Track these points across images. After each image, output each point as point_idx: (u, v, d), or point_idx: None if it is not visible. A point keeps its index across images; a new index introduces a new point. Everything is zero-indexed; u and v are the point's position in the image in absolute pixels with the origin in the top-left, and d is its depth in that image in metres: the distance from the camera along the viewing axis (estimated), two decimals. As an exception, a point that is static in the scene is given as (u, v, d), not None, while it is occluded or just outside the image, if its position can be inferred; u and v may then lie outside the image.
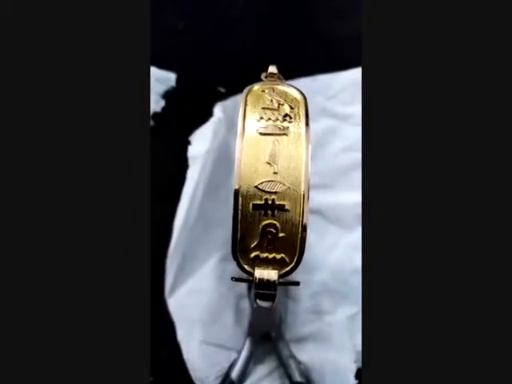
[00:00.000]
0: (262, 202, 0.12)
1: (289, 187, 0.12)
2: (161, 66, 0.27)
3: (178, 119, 0.26)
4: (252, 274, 0.13)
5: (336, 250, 0.24)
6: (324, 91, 0.27)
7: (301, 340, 0.24)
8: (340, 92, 0.27)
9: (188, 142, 0.24)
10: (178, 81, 0.27)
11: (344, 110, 0.27)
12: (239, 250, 0.13)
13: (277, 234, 0.12)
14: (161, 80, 0.28)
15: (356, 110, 0.27)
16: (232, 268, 0.26)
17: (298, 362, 0.23)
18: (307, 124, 0.13)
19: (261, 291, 0.13)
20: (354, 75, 0.27)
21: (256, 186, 0.12)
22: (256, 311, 0.22)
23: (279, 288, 0.22)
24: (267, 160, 0.12)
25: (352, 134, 0.26)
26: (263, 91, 0.14)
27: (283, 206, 0.12)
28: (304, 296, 0.24)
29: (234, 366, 0.23)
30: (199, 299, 0.24)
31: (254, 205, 0.12)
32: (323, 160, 0.26)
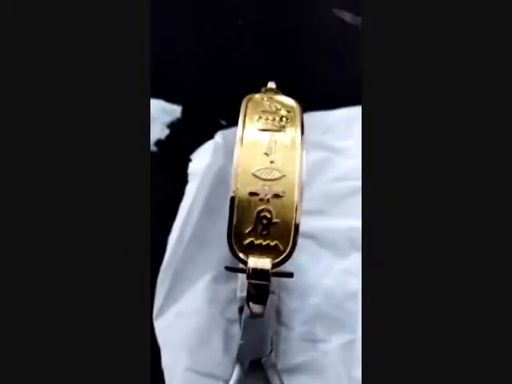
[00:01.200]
0: (258, 188, 0.13)
1: (284, 175, 0.13)
2: (167, 100, 0.30)
3: (181, 145, 0.27)
4: (245, 263, 0.13)
5: (329, 275, 0.24)
6: (319, 126, 0.29)
7: (293, 370, 0.22)
8: (334, 127, 0.29)
9: (189, 160, 0.25)
10: (182, 112, 0.29)
11: (337, 143, 0.28)
12: (234, 236, 0.13)
13: (271, 219, 0.13)
14: (167, 111, 0.30)
15: (349, 144, 0.28)
16: (224, 289, 0.25)
17: (290, 395, 0.21)
18: (302, 133, 0.14)
19: (254, 281, 0.13)
20: (347, 113, 0.29)
21: (253, 174, 0.13)
22: (246, 331, 0.21)
23: (271, 309, 0.22)
24: (265, 151, 0.13)
25: (345, 165, 0.28)
26: (262, 99, 0.15)
27: (278, 192, 0.13)
28: (297, 322, 0.23)
29: (221, 396, 0.21)
30: (188, 322, 0.23)
31: (249, 191, 0.13)
32: (317, 187, 0.27)
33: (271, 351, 0.22)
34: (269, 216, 0.13)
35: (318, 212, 0.26)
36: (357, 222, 0.26)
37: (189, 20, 0.32)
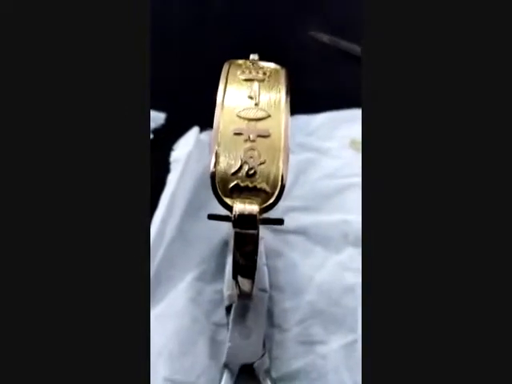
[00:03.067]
0: (243, 127, 0.12)
1: (270, 115, 0.12)
2: (152, 107, 0.30)
3: (165, 147, 0.27)
4: (231, 209, 0.12)
5: (323, 270, 0.23)
6: (303, 129, 0.29)
7: (290, 377, 0.20)
8: (317, 130, 0.29)
9: (172, 150, 0.25)
10: (167, 119, 0.29)
11: (322, 144, 0.29)
12: (218, 178, 0.12)
13: (258, 158, 0.12)
14: (152, 119, 0.30)
15: (332, 145, 0.29)
16: (209, 290, 0.23)
17: (288, 406, 0.19)
18: (287, 93, 0.14)
19: (240, 231, 0.12)
20: (329, 117, 0.30)
21: (237, 114, 0.12)
22: (235, 325, 0.18)
23: (262, 306, 0.20)
24: (249, 95, 0.13)
25: (331, 165, 0.27)
26: (245, 62, 0.15)
27: (264, 132, 0.12)
28: (292, 323, 0.21)
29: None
30: (168, 324, 0.20)
31: (234, 130, 0.12)
32: (305, 185, 0.26)
33: (263, 355, 0.20)
34: (256, 154, 0.12)
35: (308, 208, 0.25)
36: (348, 217, 0.25)
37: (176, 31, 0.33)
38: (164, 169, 0.24)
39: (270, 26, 0.34)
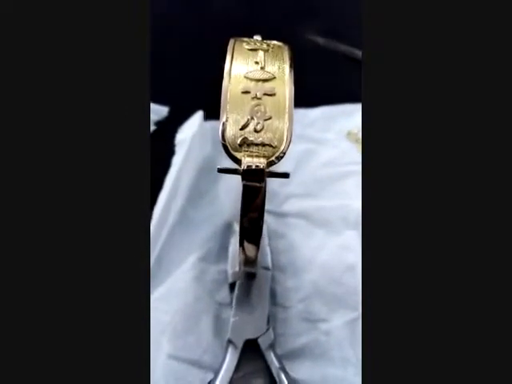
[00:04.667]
0: (251, 85, 0.13)
1: (275, 77, 0.13)
2: (155, 101, 0.30)
3: (170, 130, 0.28)
4: (239, 162, 0.12)
5: (324, 250, 0.23)
6: (301, 121, 0.30)
7: (295, 354, 0.20)
8: (315, 122, 0.30)
9: (176, 132, 0.25)
10: (169, 112, 0.30)
11: (320, 136, 0.29)
12: (227, 134, 0.12)
13: (265, 113, 0.12)
14: (154, 111, 0.31)
15: (331, 135, 0.29)
16: (213, 269, 0.23)
17: (293, 381, 0.18)
18: (291, 65, 0.15)
19: (248, 183, 0.12)
20: (324, 111, 0.31)
21: (244, 76, 0.13)
22: (240, 298, 0.18)
23: (266, 279, 0.20)
24: (255, 60, 0.13)
25: (329, 154, 0.28)
26: (249, 39, 0.16)
27: (270, 90, 0.13)
28: (294, 301, 0.21)
29: (212, 384, 0.18)
30: (172, 302, 0.21)
31: (242, 89, 0.13)
32: (305, 173, 0.27)
33: (267, 329, 0.20)
34: (263, 110, 0.12)
35: (309, 194, 0.26)
36: (348, 201, 0.26)
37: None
38: (169, 151, 0.25)
39: (269, 27, 0.35)
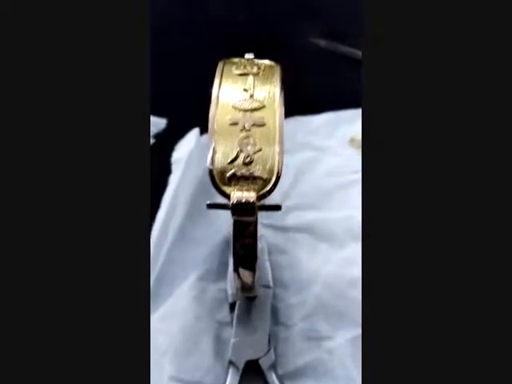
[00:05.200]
0: (239, 115, 0.12)
1: (264, 105, 0.13)
2: (154, 113, 0.30)
3: (166, 148, 0.27)
4: (229, 197, 0.12)
5: (328, 265, 0.22)
6: (304, 129, 0.30)
7: (297, 374, 0.19)
8: (317, 129, 0.29)
9: (173, 150, 0.25)
10: (168, 125, 0.30)
11: (323, 143, 0.29)
12: (216, 168, 0.12)
13: (254, 145, 0.12)
14: (153, 124, 0.30)
15: (334, 143, 0.29)
16: (212, 288, 0.23)
17: (295, 402, 0.18)
18: (281, 88, 0.14)
19: (238, 218, 0.12)
20: (328, 117, 0.30)
21: (232, 106, 0.13)
22: (239, 321, 0.18)
23: (267, 299, 0.20)
24: (244, 88, 0.13)
25: (332, 163, 0.28)
26: (240, 60, 0.15)
27: (259, 120, 0.12)
28: (296, 319, 0.21)
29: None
30: (172, 324, 0.20)
31: (230, 120, 0.12)
32: (307, 183, 0.26)
33: (269, 350, 0.19)
34: (251, 142, 0.12)
35: (312, 206, 0.25)
36: (352, 212, 0.25)
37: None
38: (166, 169, 0.25)
39: (270, 28, 0.34)
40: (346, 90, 0.31)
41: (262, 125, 0.12)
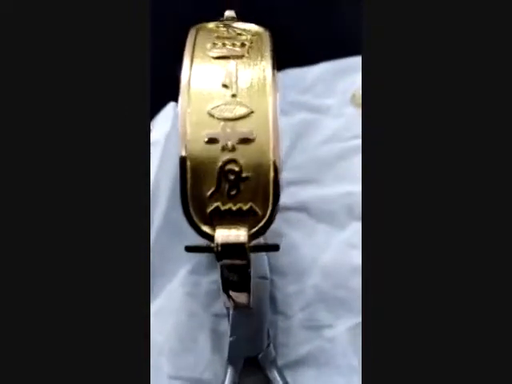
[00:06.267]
0: (218, 131, 0.09)
1: (252, 111, 0.09)
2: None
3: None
4: (212, 238, 0.09)
5: (328, 250, 0.21)
6: (297, 86, 0.25)
7: (297, 364, 0.19)
8: (313, 85, 0.25)
9: (149, 129, 0.21)
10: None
11: (321, 102, 0.25)
12: (192, 203, 0.09)
13: (240, 173, 0.09)
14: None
15: (333, 101, 0.25)
16: (205, 281, 0.22)
17: (296, 394, 0.18)
18: (273, 67, 0.11)
19: (227, 262, 0.09)
20: (326, 68, 0.26)
21: (208, 113, 0.09)
22: (236, 324, 0.17)
23: (263, 293, 0.19)
24: (223, 82, 0.09)
25: (333, 125, 0.24)
26: (218, 27, 0.11)
27: (246, 135, 0.09)
28: (296, 308, 0.20)
29: (214, 406, 0.18)
30: (167, 322, 0.19)
31: (206, 137, 0.09)
32: (303, 154, 0.23)
33: (268, 345, 0.19)
34: (236, 169, 0.09)
35: (308, 181, 0.23)
36: (352, 187, 0.23)
37: None
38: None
39: None
40: (346, 34, 0.26)
41: (251, 140, 0.09)
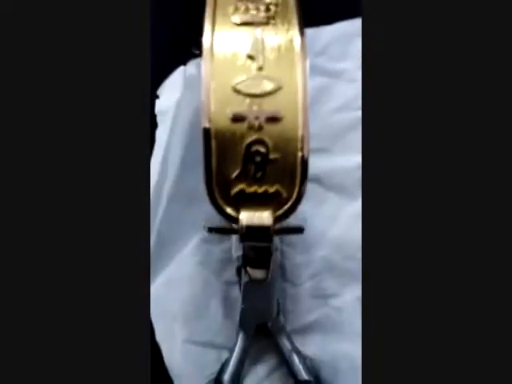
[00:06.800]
0: (244, 109, 0.08)
1: (280, 87, 0.09)
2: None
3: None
4: (236, 220, 0.09)
5: (337, 222, 0.21)
6: (310, 47, 0.24)
7: (305, 330, 0.20)
8: (327, 47, 0.24)
9: (156, 96, 0.20)
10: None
11: (335, 66, 0.23)
12: (216, 184, 0.09)
13: (267, 154, 0.09)
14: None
15: (348, 65, 0.23)
16: (217, 250, 0.22)
17: (304, 358, 0.19)
18: (302, 33, 0.10)
19: (251, 244, 0.09)
20: (342, 28, 0.24)
21: (233, 88, 0.08)
22: (247, 294, 0.18)
23: (275, 263, 0.19)
24: (248, 53, 0.09)
25: (347, 91, 0.23)
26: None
27: (274, 113, 0.09)
28: (304, 277, 0.21)
29: (226, 367, 0.19)
30: (179, 290, 0.20)
31: (232, 115, 0.08)
32: (316, 122, 0.22)
33: (278, 313, 0.19)
34: (263, 150, 0.08)
35: (320, 150, 0.22)
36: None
37: None
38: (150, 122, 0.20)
39: None
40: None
41: (279, 119, 0.08)
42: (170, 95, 0.20)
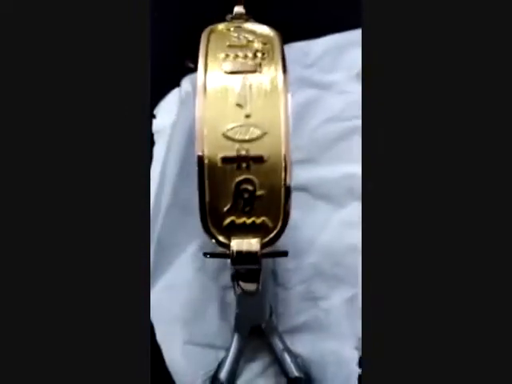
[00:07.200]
0: (234, 154, 0.10)
1: (266, 132, 0.10)
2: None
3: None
4: (228, 246, 0.10)
5: (327, 229, 0.22)
6: (301, 59, 0.25)
7: (295, 330, 0.21)
8: (318, 59, 0.25)
9: (153, 116, 0.22)
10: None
11: (325, 78, 0.25)
12: (209, 216, 0.10)
13: (254, 191, 0.10)
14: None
15: (338, 77, 0.24)
16: (213, 257, 0.24)
17: (295, 356, 0.21)
18: (285, 71, 0.11)
19: (241, 267, 0.11)
20: (333, 41, 0.25)
21: (224, 134, 0.10)
22: (242, 300, 0.19)
23: (266, 273, 0.21)
24: (236, 101, 0.10)
25: (336, 103, 0.24)
26: (228, 30, 0.11)
27: (260, 156, 0.10)
28: (295, 281, 0.22)
29: (223, 366, 0.20)
30: (179, 294, 0.21)
31: (223, 158, 0.10)
32: (305, 133, 0.23)
33: (270, 315, 0.21)
34: (251, 188, 0.10)
35: (309, 160, 0.23)
36: (353, 168, 0.24)
37: None
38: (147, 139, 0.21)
39: None
40: (354, 4, 0.25)
41: (264, 161, 0.10)
42: (166, 116, 0.21)
